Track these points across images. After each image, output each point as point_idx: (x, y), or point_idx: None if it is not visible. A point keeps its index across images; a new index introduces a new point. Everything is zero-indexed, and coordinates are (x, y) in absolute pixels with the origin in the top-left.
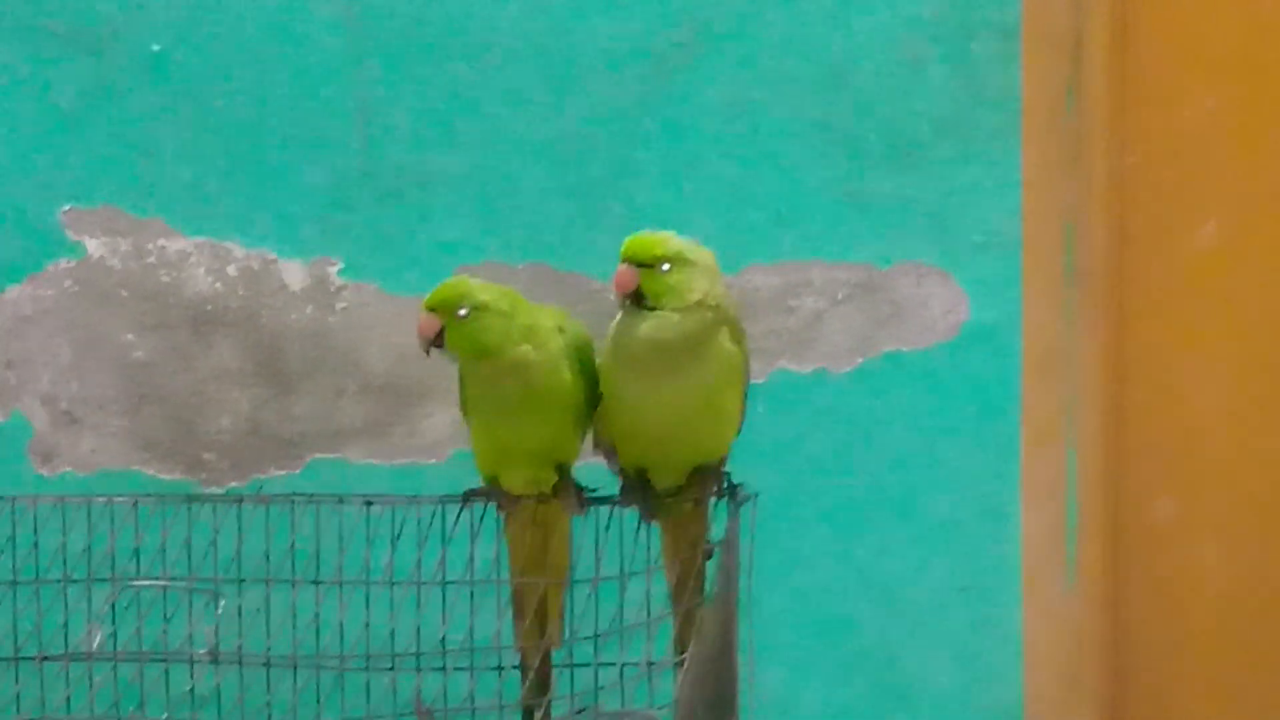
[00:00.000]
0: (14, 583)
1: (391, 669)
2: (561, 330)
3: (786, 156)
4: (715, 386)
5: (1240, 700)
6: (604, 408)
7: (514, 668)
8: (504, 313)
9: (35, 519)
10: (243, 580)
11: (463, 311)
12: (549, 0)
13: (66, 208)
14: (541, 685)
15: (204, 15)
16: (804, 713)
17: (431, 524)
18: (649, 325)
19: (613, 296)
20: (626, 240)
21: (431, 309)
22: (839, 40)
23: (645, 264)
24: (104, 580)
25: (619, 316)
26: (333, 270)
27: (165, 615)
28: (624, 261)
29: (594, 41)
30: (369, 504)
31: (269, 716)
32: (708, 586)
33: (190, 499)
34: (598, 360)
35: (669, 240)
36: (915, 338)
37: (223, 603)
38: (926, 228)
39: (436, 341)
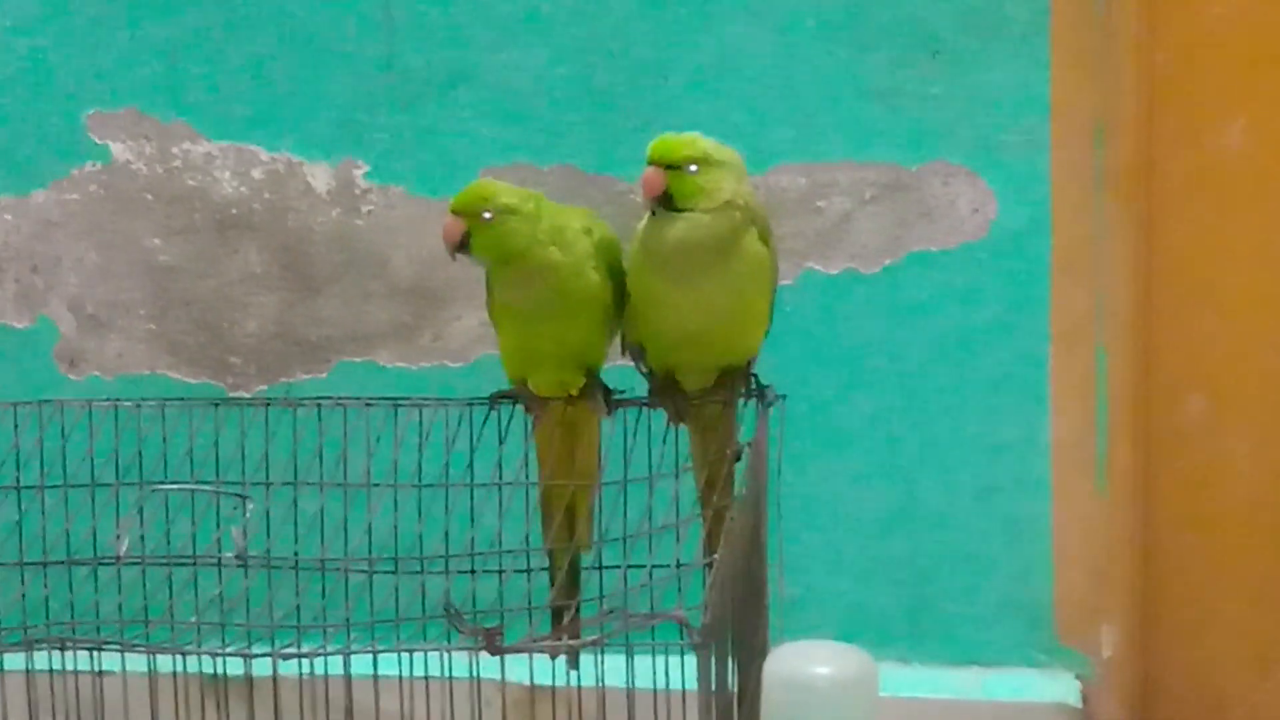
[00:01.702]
0: (41, 487)
1: (420, 572)
2: (589, 232)
3: (813, 55)
4: (744, 287)
5: (1272, 598)
6: (632, 310)
7: (542, 570)
8: (529, 215)
9: (62, 423)
10: (270, 484)
11: (488, 215)
12: None
13: (91, 112)
14: (570, 587)
15: None
16: (833, 614)
17: (459, 426)
18: (678, 227)
19: (640, 199)
20: (653, 142)
21: (457, 212)
22: None
23: (672, 165)
24: (131, 484)
25: (646, 218)
26: (359, 173)
27: (193, 519)
28: (651, 163)
29: None
30: (396, 407)
31: (298, 620)
32: (737, 488)
33: (217, 403)
34: (625, 262)
35: (695, 141)
36: (943, 238)
37: (250, 506)
38: (954, 127)
39: (462, 245)
